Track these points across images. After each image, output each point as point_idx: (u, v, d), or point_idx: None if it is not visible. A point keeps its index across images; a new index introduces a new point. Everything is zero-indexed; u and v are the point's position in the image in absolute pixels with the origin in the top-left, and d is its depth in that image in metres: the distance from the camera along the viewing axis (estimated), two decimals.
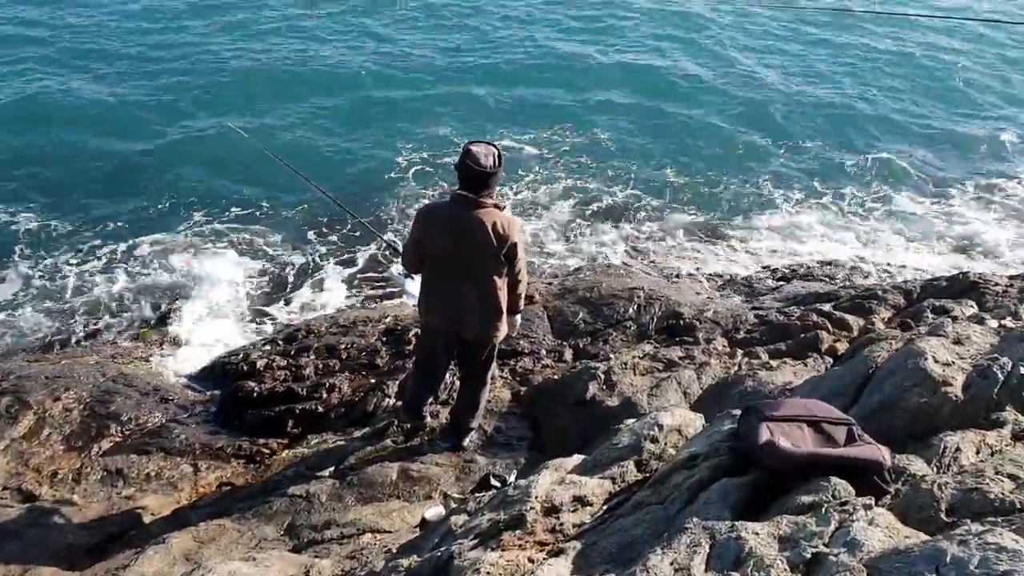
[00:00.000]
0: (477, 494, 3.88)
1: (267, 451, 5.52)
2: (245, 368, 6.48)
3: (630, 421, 3.78)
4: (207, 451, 5.52)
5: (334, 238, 9.34)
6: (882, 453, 2.48)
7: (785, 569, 1.89)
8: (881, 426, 3.00)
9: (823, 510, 2.13)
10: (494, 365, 4.95)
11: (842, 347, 5.28)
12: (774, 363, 5.13)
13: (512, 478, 4.24)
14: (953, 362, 3.19)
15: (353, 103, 12.22)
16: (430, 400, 5.11)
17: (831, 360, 5.14)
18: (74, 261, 8.72)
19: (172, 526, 4.42)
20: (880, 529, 1.98)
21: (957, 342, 3.46)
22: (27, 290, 8.30)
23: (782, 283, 8.32)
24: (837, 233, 10.44)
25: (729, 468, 2.56)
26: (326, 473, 4.78)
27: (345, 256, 9.10)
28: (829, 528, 2.02)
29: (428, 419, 5.14)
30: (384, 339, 6.66)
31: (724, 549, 2.03)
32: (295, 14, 14.77)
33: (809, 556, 1.93)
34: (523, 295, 4.65)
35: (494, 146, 4.20)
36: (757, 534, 2.03)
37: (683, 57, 14.53)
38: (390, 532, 4.14)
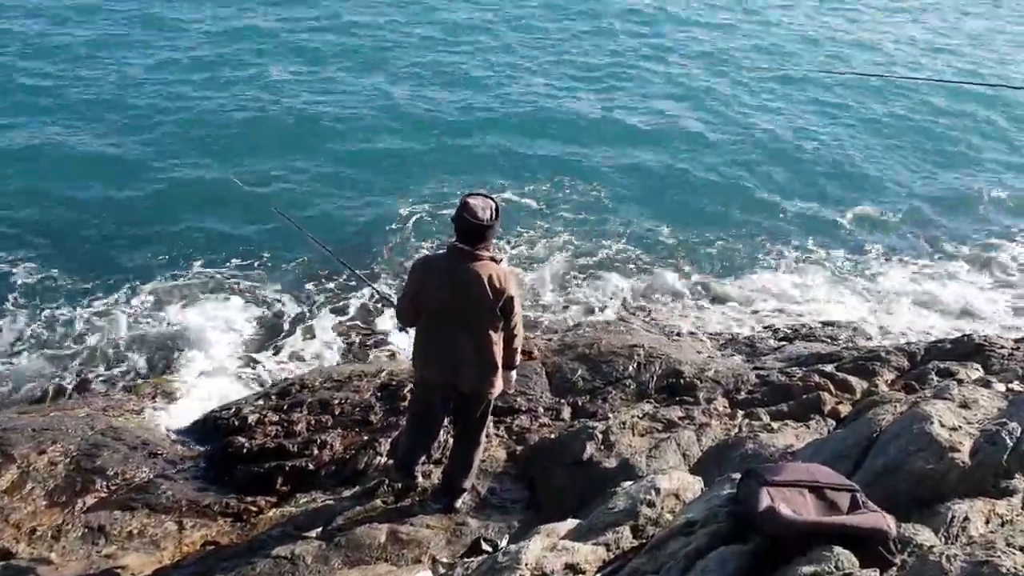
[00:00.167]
0: (467, 559, 3.74)
1: (255, 509, 5.36)
2: (236, 423, 6.35)
3: (627, 484, 3.67)
4: (193, 508, 5.37)
5: (331, 286, 9.32)
6: (887, 522, 2.38)
7: None
8: (885, 492, 2.88)
9: None
10: (489, 423, 4.84)
11: (845, 409, 5.16)
12: (775, 425, 5.02)
13: (504, 542, 4.10)
14: (960, 426, 3.09)
15: (355, 154, 12.30)
16: (422, 459, 4.98)
17: (834, 422, 5.02)
18: (72, 311, 8.67)
19: None
20: None
21: (964, 406, 3.36)
22: (23, 340, 8.25)
23: (784, 343, 8.24)
24: (838, 293, 10.38)
25: (728, 535, 2.45)
26: (313, 534, 4.63)
27: (343, 308, 9.05)
28: None
29: (420, 478, 5.00)
30: (379, 394, 6.55)
31: None
32: (298, 67, 14.96)
33: None
34: (519, 349, 4.57)
35: (491, 199, 4.19)
36: None
37: (683, 114, 14.68)
38: None
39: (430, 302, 4.29)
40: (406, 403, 6.00)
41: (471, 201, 4.11)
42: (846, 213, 12.17)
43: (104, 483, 5.57)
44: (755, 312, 9.68)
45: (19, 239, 9.64)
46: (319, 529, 4.67)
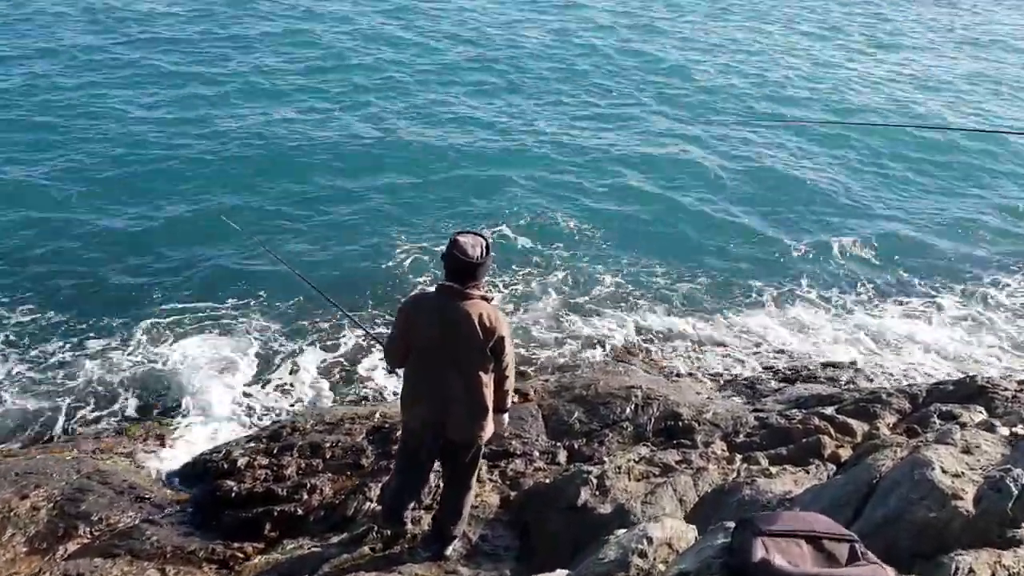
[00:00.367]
0: None
1: (241, 556, 5.23)
2: (226, 466, 6.24)
3: (620, 532, 3.55)
4: (178, 555, 5.23)
5: (325, 326, 9.19)
6: (887, 574, 2.27)
7: None
8: (886, 542, 2.77)
9: None
10: (481, 467, 4.72)
11: (845, 453, 5.04)
12: (774, 469, 4.88)
13: None
14: (963, 473, 2.98)
15: (347, 191, 12.25)
16: (412, 504, 4.85)
17: (834, 467, 4.89)
18: (62, 349, 8.57)
19: None
20: None
21: (966, 451, 3.25)
22: (11, 378, 8.13)
23: (785, 384, 8.13)
24: (838, 332, 10.25)
25: None
26: None
27: (335, 347, 8.93)
28: None
29: (409, 525, 4.86)
30: (371, 438, 6.44)
31: None
32: (291, 105, 15.03)
33: None
34: (510, 392, 4.47)
35: (482, 236, 4.13)
36: None
37: (680, 152, 14.70)
38: None
39: (419, 340, 4.22)
40: (396, 448, 5.88)
41: (461, 239, 4.05)
42: (846, 251, 12.10)
43: (87, 529, 5.44)
44: (755, 352, 9.56)
45: (8, 276, 9.58)
46: None
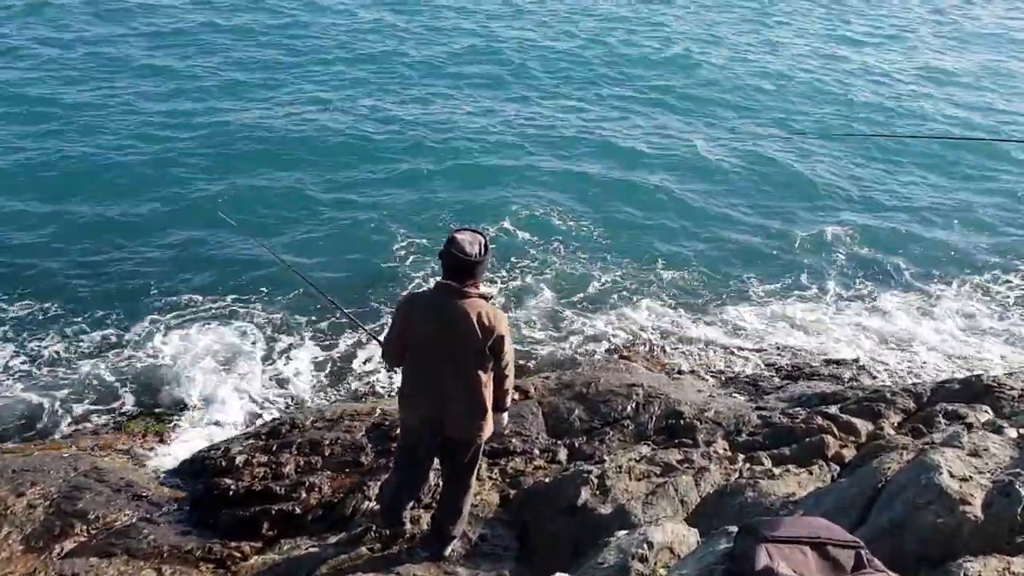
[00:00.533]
0: None
1: (238, 555, 5.17)
2: (224, 464, 6.17)
3: (620, 534, 3.49)
4: (175, 554, 5.18)
5: (323, 325, 9.14)
6: None
7: None
8: (892, 548, 2.71)
9: None
10: (481, 466, 4.66)
11: (849, 453, 4.98)
12: (777, 470, 4.82)
13: None
14: (971, 477, 2.91)
15: (350, 185, 12.19)
16: (411, 504, 4.80)
17: (837, 468, 4.83)
18: (59, 346, 8.53)
19: None
20: None
21: (974, 454, 3.18)
22: (9, 375, 8.09)
23: (788, 382, 8.07)
24: (841, 328, 10.17)
25: None
26: None
27: (335, 345, 8.89)
28: None
29: (408, 525, 4.81)
30: (371, 435, 6.38)
31: None
32: (290, 99, 14.95)
33: None
34: (510, 391, 4.41)
35: (480, 233, 4.07)
36: None
37: (683, 146, 14.62)
38: None
39: (416, 338, 4.16)
40: (395, 444, 5.83)
41: (459, 236, 3.99)
42: (848, 247, 12.02)
43: (84, 527, 5.38)
44: (758, 349, 9.49)
45: (4, 269, 9.54)
46: None
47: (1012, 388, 5.59)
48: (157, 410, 7.91)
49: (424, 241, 10.81)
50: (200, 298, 9.40)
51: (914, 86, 19.04)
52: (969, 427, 4.05)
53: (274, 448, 6.34)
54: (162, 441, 7.36)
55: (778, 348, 9.56)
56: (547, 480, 5.36)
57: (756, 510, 3.95)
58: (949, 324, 10.44)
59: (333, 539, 4.95)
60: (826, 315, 10.46)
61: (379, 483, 5.52)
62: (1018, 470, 2.92)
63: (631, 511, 4.52)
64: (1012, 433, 3.84)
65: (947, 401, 5.67)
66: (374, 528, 4.88)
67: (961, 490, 2.83)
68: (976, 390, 5.81)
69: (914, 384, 6.64)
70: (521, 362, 8.27)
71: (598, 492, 4.84)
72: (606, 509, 4.66)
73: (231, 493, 5.74)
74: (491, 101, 15.73)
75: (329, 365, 8.56)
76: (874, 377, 8.55)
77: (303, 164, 12.62)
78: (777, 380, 8.17)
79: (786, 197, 13.28)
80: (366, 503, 5.36)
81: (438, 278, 4.18)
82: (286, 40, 17.82)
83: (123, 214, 10.89)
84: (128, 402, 7.98)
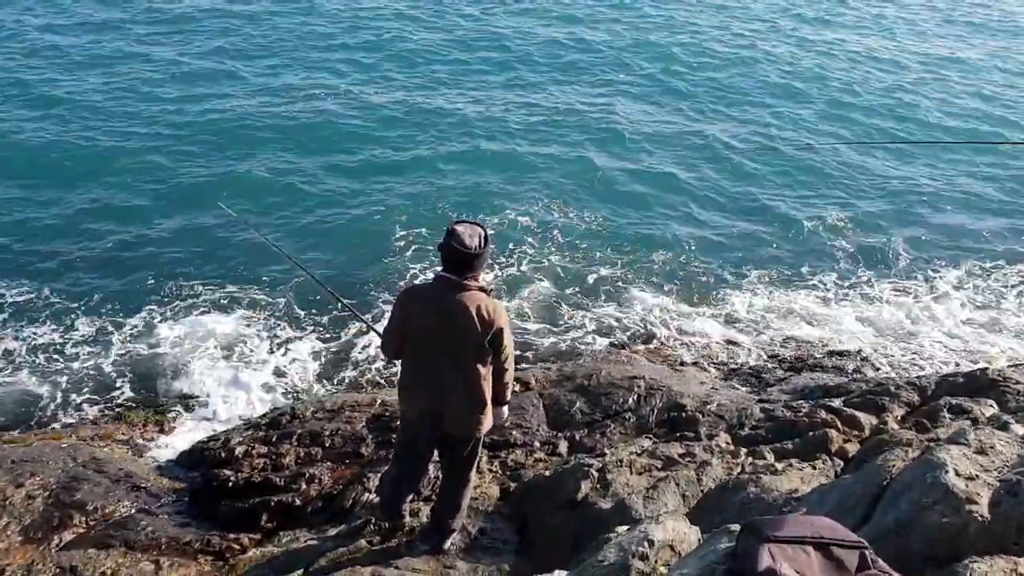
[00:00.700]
0: None
1: (237, 547, 5.14)
2: (223, 454, 6.16)
3: (621, 529, 3.45)
4: (173, 546, 5.15)
5: (324, 317, 9.09)
6: None
7: None
8: (898, 548, 2.67)
9: None
10: (481, 458, 4.63)
11: (852, 448, 4.93)
12: (779, 465, 4.77)
13: None
14: (977, 476, 2.86)
15: (350, 175, 12.09)
16: (411, 496, 4.76)
17: (841, 462, 4.78)
18: (59, 334, 8.50)
19: None
20: None
21: (981, 452, 3.13)
22: (8, 364, 8.06)
23: (791, 374, 8.02)
24: (845, 319, 10.09)
25: None
26: None
27: (336, 336, 8.84)
28: None
29: (407, 518, 4.78)
30: (371, 426, 6.35)
31: None
32: (289, 91, 14.82)
33: None
34: (510, 384, 4.36)
35: (480, 225, 4.01)
36: None
37: (688, 130, 14.53)
38: None
39: (414, 330, 4.12)
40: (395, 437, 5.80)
41: (459, 228, 3.94)
42: (852, 238, 11.93)
43: (83, 518, 5.36)
44: (761, 340, 9.43)
45: (5, 258, 9.50)
46: (299, 572, 4.45)
47: (1018, 382, 5.54)
48: (157, 400, 7.88)
49: (424, 231, 10.73)
50: (200, 287, 9.34)
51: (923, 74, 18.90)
52: (974, 422, 4.00)
53: (274, 439, 6.31)
54: (162, 431, 7.34)
55: (781, 339, 9.50)
56: (547, 473, 5.33)
57: (758, 506, 3.91)
58: (953, 315, 10.37)
59: (332, 531, 4.93)
60: (830, 305, 10.39)
61: (379, 475, 5.49)
62: None
63: (632, 506, 4.48)
64: (1019, 430, 3.79)
65: (951, 395, 5.63)
66: (373, 521, 4.85)
67: (967, 489, 2.79)
68: (981, 384, 5.76)
69: (918, 377, 6.59)
70: (522, 353, 8.22)
71: (599, 486, 4.80)
72: (606, 504, 4.62)
73: (230, 484, 5.72)
74: (493, 89, 15.60)
75: (329, 355, 8.52)
76: (877, 369, 8.49)
77: (304, 152, 12.53)
78: (780, 372, 8.12)
79: (789, 186, 13.18)
80: (366, 495, 5.33)
81: (438, 270, 4.13)
82: (289, 26, 17.68)
83: (123, 202, 10.83)
84: (128, 391, 7.95)
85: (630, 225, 11.59)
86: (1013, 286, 11.16)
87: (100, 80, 14.19)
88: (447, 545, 4.61)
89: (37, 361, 8.17)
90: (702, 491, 4.59)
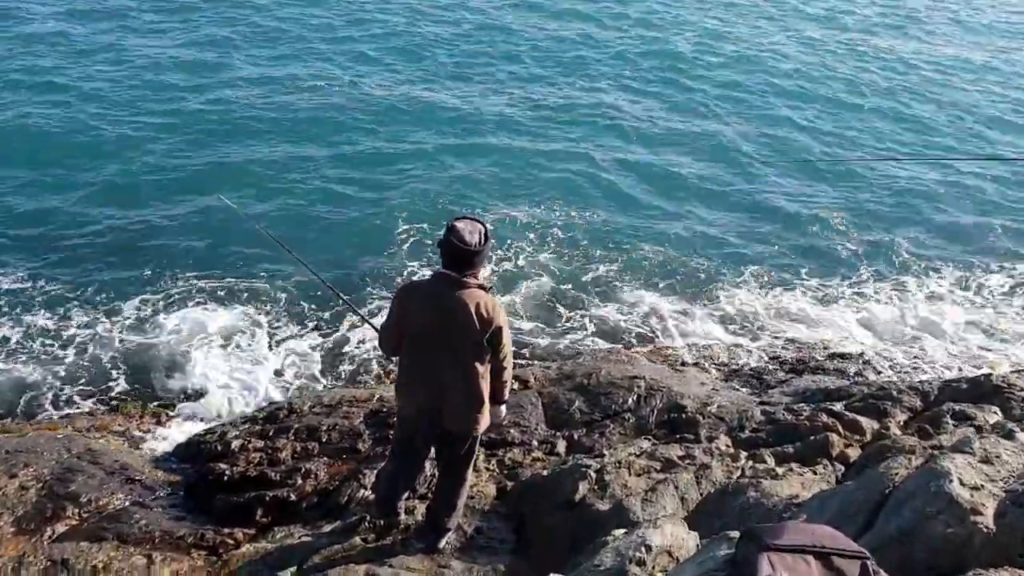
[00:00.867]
0: None
1: (231, 542, 5.10)
2: (220, 448, 6.12)
3: (618, 532, 3.41)
4: (166, 540, 5.10)
5: (323, 311, 9.04)
6: None
7: None
8: (900, 558, 2.62)
9: None
10: (478, 456, 4.58)
11: (854, 453, 4.87)
12: (780, 469, 4.72)
13: None
14: (982, 485, 2.81)
15: (350, 168, 12.01)
16: (406, 493, 4.72)
17: (842, 467, 4.73)
18: (56, 324, 8.46)
19: None
20: None
21: (985, 461, 3.08)
22: (3, 352, 8.03)
23: (792, 376, 7.96)
24: (847, 322, 10.03)
25: None
26: (286, 573, 4.36)
27: (334, 330, 8.78)
28: None
29: (403, 515, 4.73)
30: (368, 422, 6.31)
31: None
32: (292, 84, 14.70)
33: None
34: (508, 383, 4.32)
35: (480, 222, 3.95)
36: None
37: (692, 128, 14.45)
38: None
39: (412, 327, 4.07)
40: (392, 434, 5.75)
41: (459, 225, 3.88)
42: (853, 238, 11.86)
43: (76, 511, 5.31)
44: (762, 341, 9.37)
45: (2, 246, 9.45)
46: (293, 568, 4.41)
47: (1022, 389, 5.47)
48: (154, 392, 7.85)
49: (425, 227, 10.67)
50: (198, 280, 9.29)
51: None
52: (978, 429, 3.94)
53: (271, 433, 6.28)
54: (159, 423, 7.30)
55: (783, 340, 9.44)
56: (545, 473, 5.28)
57: (758, 511, 3.85)
58: (956, 318, 10.30)
59: (327, 528, 4.88)
60: (831, 307, 10.33)
61: (375, 471, 5.45)
62: None
63: (630, 508, 4.43)
64: None
65: (955, 400, 5.57)
66: (369, 518, 4.81)
67: (972, 499, 2.74)
68: (984, 390, 5.70)
69: (921, 382, 6.53)
70: (520, 351, 8.16)
71: (597, 487, 4.75)
72: (604, 505, 4.57)
73: (226, 478, 5.68)
74: (497, 84, 15.52)
75: (328, 350, 8.47)
76: (879, 372, 8.43)
77: (306, 145, 12.47)
78: (781, 373, 8.06)
79: (791, 186, 13.10)
80: (362, 492, 5.28)
81: (437, 267, 4.08)
82: (296, 17, 17.61)
83: (123, 191, 10.77)
84: (125, 383, 7.91)
85: (632, 223, 11.52)
86: (1016, 288, 11.09)
87: (104, 68, 14.13)
88: (442, 544, 4.56)
89: (33, 350, 8.13)
90: (701, 495, 4.54)
